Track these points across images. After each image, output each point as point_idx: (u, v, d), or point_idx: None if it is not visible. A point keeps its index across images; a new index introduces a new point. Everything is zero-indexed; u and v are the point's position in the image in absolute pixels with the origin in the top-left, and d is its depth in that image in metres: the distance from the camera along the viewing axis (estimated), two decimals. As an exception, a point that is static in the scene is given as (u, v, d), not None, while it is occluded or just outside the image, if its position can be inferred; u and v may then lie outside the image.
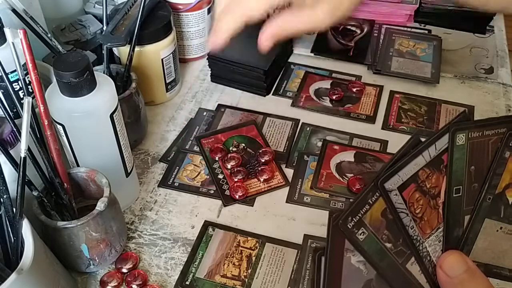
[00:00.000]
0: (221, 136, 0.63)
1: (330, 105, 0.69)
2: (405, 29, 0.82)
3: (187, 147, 0.63)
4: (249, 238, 0.53)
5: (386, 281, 0.34)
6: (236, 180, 0.58)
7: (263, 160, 0.60)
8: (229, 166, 0.59)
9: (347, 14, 0.47)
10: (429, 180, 0.33)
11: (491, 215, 0.36)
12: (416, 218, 0.34)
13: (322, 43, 0.79)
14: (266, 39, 0.47)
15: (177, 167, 0.60)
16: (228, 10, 0.46)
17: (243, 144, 0.62)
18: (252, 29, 0.73)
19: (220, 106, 0.69)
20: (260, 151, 0.61)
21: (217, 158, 0.60)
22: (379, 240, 0.32)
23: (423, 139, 0.33)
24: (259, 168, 0.59)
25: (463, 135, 0.33)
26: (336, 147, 0.63)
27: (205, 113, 0.68)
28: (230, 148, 0.61)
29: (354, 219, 0.31)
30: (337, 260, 0.31)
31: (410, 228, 0.34)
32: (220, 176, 0.59)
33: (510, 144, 0.34)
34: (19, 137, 0.42)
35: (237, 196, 0.56)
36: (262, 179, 0.58)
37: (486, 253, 0.37)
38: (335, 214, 0.30)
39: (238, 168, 0.59)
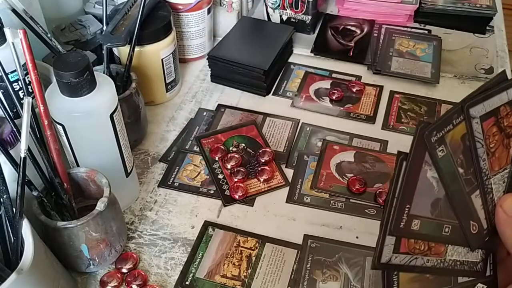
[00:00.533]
0: (221, 136, 0.63)
1: (330, 105, 0.69)
2: (405, 29, 0.82)
3: (187, 147, 0.63)
4: (249, 238, 0.53)
5: (451, 205, 0.35)
6: (236, 180, 0.58)
7: (263, 160, 0.60)
8: (229, 166, 0.59)
9: None
10: (507, 118, 0.34)
11: None
12: (489, 152, 0.34)
13: (322, 43, 0.79)
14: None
15: (177, 167, 0.60)
16: None
17: (243, 144, 0.62)
18: (252, 30, 0.73)
19: (220, 106, 0.69)
20: (260, 151, 0.61)
21: (217, 158, 0.60)
22: (454, 162, 0.33)
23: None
24: (259, 168, 0.59)
25: None
26: (336, 147, 0.63)
27: (205, 113, 0.68)
28: (230, 148, 0.61)
29: (438, 134, 0.32)
30: (416, 168, 0.32)
31: (482, 160, 0.34)
32: (220, 176, 0.59)
33: None
34: (19, 137, 0.42)
35: (237, 196, 0.56)
36: (262, 179, 0.58)
37: None
38: (423, 124, 0.31)
39: (238, 168, 0.59)
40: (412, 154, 0.31)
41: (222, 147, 0.61)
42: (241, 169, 0.59)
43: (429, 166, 0.32)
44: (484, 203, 0.36)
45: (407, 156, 0.31)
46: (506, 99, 0.34)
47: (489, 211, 0.36)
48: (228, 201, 0.57)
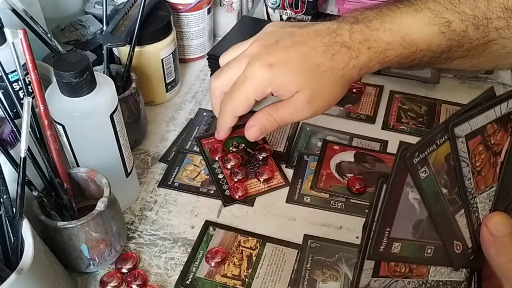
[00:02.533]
0: (219, 143, 0.62)
1: (330, 105, 0.69)
2: (405, 29, 0.82)
3: (187, 147, 0.63)
4: (249, 238, 0.53)
5: (434, 226, 0.34)
6: (236, 180, 0.58)
7: (261, 157, 0.60)
8: (229, 166, 0.59)
9: (332, 102, 0.54)
10: (494, 136, 0.33)
11: None
12: (474, 171, 0.34)
13: (322, 43, 0.79)
14: (252, 136, 0.58)
15: (177, 167, 0.60)
16: (221, 109, 0.57)
17: (243, 145, 0.62)
18: (252, 29, 0.73)
19: (220, 106, 0.69)
20: (258, 148, 0.61)
21: (217, 158, 0.60)
22: (437, 182, 0.32)
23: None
24: (259, 169, 0.59)
25: None
26: (336, 147, 0.63)
27: (205, 114, 0.68)
28: (230, 149, 0.61)
29: (420, 155, 0.31)
30: (397, 190, 0.31)
31: (467, 179, 0.34)
32: (220, 176, 0.59)
33: None
34: (19, 137, 0.42)
35: (237, 196, 0.56)
36: (262, 179, 0.58)
37: None
38: (404, 146, 0.30)
39: (238, 168, 0.59)
40: (393, 176, 0.30)
41: (222, 147, 0.61)
42: (241, 169, 0.59)
43: (411, 188, 0.31)
44: (469, 223, 0.35)
45: (387, 179, 0.30)
46: (494, 116, 0.33)
47: (474, 229, 0.35)
48: (228, 201, 0.57)
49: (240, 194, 0.56)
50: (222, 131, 0.60)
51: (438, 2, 0.52)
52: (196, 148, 0.62)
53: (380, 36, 0.51)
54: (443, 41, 0.52)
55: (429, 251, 0.34)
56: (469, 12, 0.51)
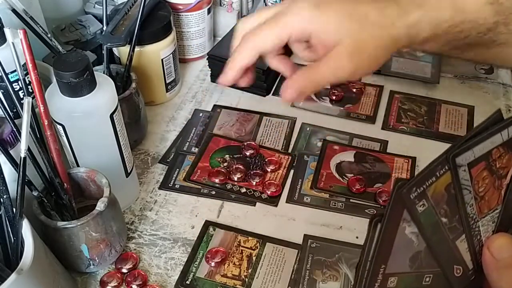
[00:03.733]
0: (203, 162, 0.60)
1: (330, 105, 0.69)
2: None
3: (185, 148, 0.63)
4: (249, 238, 0.53)
5: (433, 255, 0.33)
6: (254, 183, 0.58)
7: (248, 154, 0.60)
8: (235, 178, 0.58)
9: (375, 63, 0.46)
10: (500, 159, 0.32)
11: None
12: (477, 196, 0.33)
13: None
14: (289, 98, 0.48)
15: (177, 169, 0.60)
16: (242, 43, 0.47)
17: (227, 156, 0.61)
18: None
19: (216, 106, 0.68)
20: (243, 146, 0.61)
21: (217, 181, 0.58)
22: (436, 213, 0.31)
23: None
24: (264, 160, 0.60)
25: None
26: (336, 147, 0.63)
27: (201, 114, 0.67)
28: (221, 165, 0.60)
29: (418, 190, 0.29)
30: (392, 228, 0.30)
31: (469, 206, 0.33)
32: (243, 190, 0.58)
33: None
34: (19, 137, 0.42)
35: (269, 192, 0.57)
36: (269, 169, 0.59)
37: None
38: (401, 183, 0.29)
39: (238, 168, 0.59)
40: (388, 215, 0.29)
41: (213, 170, 0.59)
42: (239, 168, 0.59)
43: (408, 223, 0.30)
44: (470, 246, 0.34)
45: (381, 218, 0.29)
46: (500, 140, 0.31)
47: (475, 251, 0.35)
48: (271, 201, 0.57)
49: (273, 190, 0.57)
50: (231, 71, 0.49)
51: None
52: (194, 150, 0.62)
53: None
54: (491, 14, 0.48)
55: (427, 279, 0.34)
56: None
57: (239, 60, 0.48)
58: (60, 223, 0.44)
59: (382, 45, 0.46)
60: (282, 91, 0.48)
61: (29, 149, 0.40)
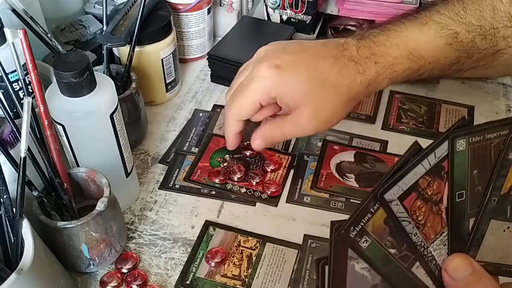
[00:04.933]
0: (203, 162, 0.60)
1: (330, 105, 0.69)
2: (405, 29, 0.82)
3: (184, 148, 0.63)
4: (249, 238, 0.53)
5: (391, 285, 0.34)
6: (254, 183, 0.58)
7: (248, 154, 0.60)
8: (236, 178, 0.58)
9: (336, 119, 0.52)
10: (430, 187, 0.33)
11: (497, 216, 0.36)
12: (419, 225, 0.33)
13: (322, 43, 0.79)
14: (258, 147, 0.56)
15: (177, 169, 0.60)
16: (226, 115, 0.55)
17: (227, 155, 0.61)
18: (252, 29, 0.73)
19: (216, 106, 0.68)
20: (245, 144, 0.60)
21: (217, 181, 0.58)
22: (382, 246, 0.32)
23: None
24: (265, 161, 0.60)
25: (463, 141, 0.33)
26: (336, 147, 0.63)
27: (201, 114, 0.67)
28: (221, 165, 0.60)
29: (356, 228, 0.31)
30: (341, 268, 0.31)
31: (414, 235, 0.33)
32: (243, 190, 0.58)
33: None
34: (19, 137, 0.42)
35: (269, 192, 0.57)
36: (269, 170, 0.59)
37: (494, 252, 0.37)
38: (337, 225, 0.30)
39: (237, 168, 0.59)
40: (332, 257, 0.30)
41: (213, 170, 0.59)
42: (240, 168, 0.59)
43: (356, 260, 0.31)
44: (428, 271, 0.35)
45: (327, 260, 0.30)
46: (423, 170, 0.32)
47: (436, 276, 0.35)
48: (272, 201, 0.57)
49: (273, 190, 0.57)
50: (229, 140, 0.57)
51: (443, 14, 0.51)
52: (194, 150, 0.62)
53: (386, 51, 0.51)
54: (451, 53, 0.51)
55: None
56: (475, 23, 0.51)
57: (228, 129, 0.56)
58: (60, 223, 0.44)
59: (342, 101, 0.50)
60: (252, 140, 0.55)
61: (29, 149, 0.40)
